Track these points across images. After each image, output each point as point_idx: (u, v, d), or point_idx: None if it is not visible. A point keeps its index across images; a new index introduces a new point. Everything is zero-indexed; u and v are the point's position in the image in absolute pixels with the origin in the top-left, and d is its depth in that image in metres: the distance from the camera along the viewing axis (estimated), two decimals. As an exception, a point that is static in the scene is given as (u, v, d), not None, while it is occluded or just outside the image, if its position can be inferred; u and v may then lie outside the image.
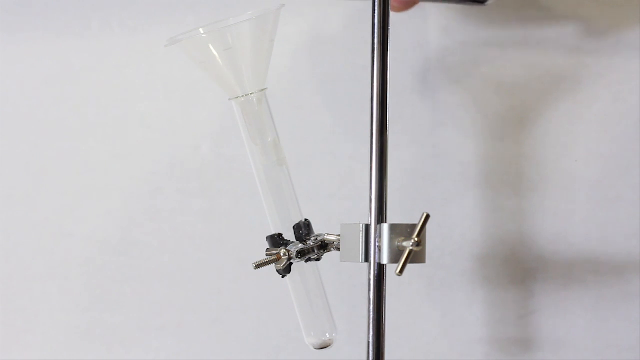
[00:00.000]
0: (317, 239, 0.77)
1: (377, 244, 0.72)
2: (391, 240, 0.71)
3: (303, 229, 0.77)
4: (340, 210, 1.00)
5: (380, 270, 0.72)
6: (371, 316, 0.72)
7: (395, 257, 0.71)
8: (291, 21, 0.90)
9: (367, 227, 0.72)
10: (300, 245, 0.76)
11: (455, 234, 1.01)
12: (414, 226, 0.71)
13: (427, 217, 0.71)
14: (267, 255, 0.77)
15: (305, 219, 0.78)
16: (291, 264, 0.77)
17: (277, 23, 0.77)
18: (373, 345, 0.72)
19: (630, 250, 1.03)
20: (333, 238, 0.76)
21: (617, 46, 1.03)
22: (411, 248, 0.69)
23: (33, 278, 1.00)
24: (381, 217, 0.73)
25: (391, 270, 0.71)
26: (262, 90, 0.77)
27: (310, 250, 0.76)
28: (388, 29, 0.75)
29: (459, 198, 1.01)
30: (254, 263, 0.76)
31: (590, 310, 1.03)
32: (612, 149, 1.03)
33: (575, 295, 1.02)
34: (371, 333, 0.72)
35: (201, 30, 0.75)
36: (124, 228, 1.00)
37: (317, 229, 0.78)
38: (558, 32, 1.02)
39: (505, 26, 1.01)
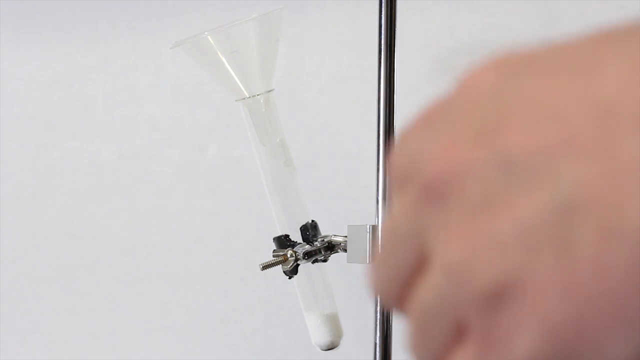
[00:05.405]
0: (323, 240, 0.77)
1: (383, 245, 0.72)
2: (398, 241, 0.71)
3: (310, 230, 0.77)
4: (347, 212, 1.00)
5: (387, 271, 0.72)
6: (378, 317, 0.72)
7: (402, 258, 0.70)
8: (297, 22, 0.91)
9: (374, 228, 0.72)
10: (307, 247, 0.76)
11: (462, 235, 1.01)
12: (420, 227, 0.70)
13: (434, 218, 0.70)
14: (273, 256, 0.77)
15: (312, 220, 0.78)
16: (298, 265, 0.77)
17: (281, 23, 0.77)
18: (380, 347, 0.72)
19: None
20: (340, 239, 0.76)
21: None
22: (418, 249, 0.69)
23: (39, 279, 1.00)
24: (388, 218, 0.73)
25: (398, 271, 0.71)
26: (269, 91, 0.77)
27: (316, 252, 0.76)
28: (395, 30, 0.75)
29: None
30: (261, 264, 0.76)
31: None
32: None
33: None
34: (378, 334, 0.72)
35: (206, 32, 0.75)
36: (131, 229, 1.00)
37: (323, 230, 0.78)
38: (565, 33, 1.02)
39: (511, 27, 1.01)
